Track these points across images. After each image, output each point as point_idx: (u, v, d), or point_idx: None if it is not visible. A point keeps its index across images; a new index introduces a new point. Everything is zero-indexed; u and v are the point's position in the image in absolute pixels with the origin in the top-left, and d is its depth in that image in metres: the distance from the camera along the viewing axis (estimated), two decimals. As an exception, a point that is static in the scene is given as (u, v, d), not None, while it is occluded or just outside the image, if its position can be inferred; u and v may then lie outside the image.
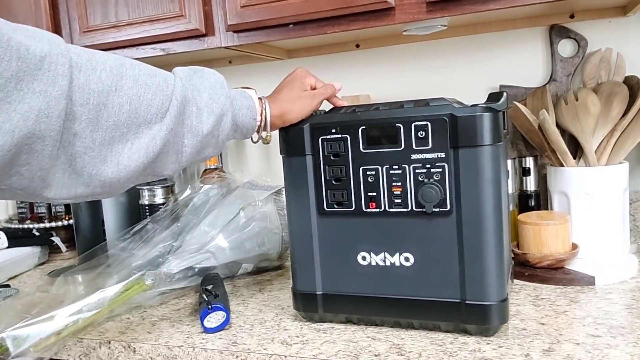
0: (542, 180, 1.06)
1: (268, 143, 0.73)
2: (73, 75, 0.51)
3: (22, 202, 1.39)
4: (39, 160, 0.50)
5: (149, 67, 0.60)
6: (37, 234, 1.29)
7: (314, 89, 0.77)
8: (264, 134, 0.72)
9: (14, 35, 0.46)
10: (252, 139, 0.74)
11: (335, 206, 0.73)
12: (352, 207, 0.72)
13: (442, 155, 0.67)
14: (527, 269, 0.90)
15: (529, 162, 1.05)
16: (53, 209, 1.38)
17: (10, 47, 0.45)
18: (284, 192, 1.10)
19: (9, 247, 1.21)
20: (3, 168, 0.48)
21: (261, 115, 0.70)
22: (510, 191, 1.04)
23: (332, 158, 0.72)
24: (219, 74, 0.67)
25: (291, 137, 0.74)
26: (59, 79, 0.49)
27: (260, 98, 0.72)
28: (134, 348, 0.75)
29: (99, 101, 0.53)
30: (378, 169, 0.70)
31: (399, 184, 0.69)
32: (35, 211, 1.39)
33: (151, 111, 0.57)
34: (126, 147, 0.56)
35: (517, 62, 1.12)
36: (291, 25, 0.95)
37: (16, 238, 1.24)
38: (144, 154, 0.57)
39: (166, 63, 1.25)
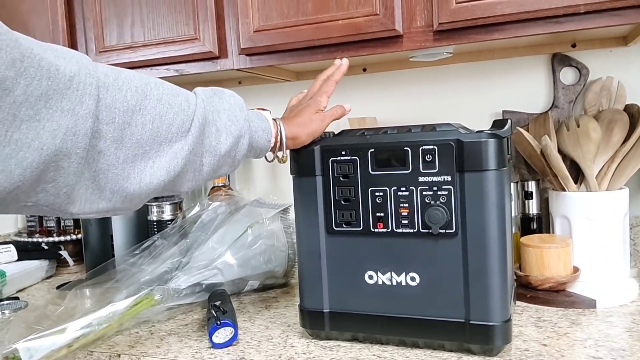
0: (544, 203, 1.08)
1: (284, 162, 0.75)
2: (100, 94, 0.53)
3: (31, 216, 1.41)
4: (64, 177, 0.51)
5: (172, 86, 0.62)
6: (45, 247, 1.31)
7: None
8: (279, 154, 0.74)
9: (44, 56, 0.47)
10: (267, 159, 0.76)
11: (344, 226, 0.75)
12: (360, 227, 0.74)
13: (449, 178, 0.69)
14: (529, 290, 0.92)
15: (532, 186, 1.07)
16: (62, 223, 1.40)
17: (41, 67, 0.47)
18: (290, 211, 1.12)
19: (18, 260, 1.23)
20: (31, 185, 0.49)
21: (276, 137, 0.72)
22: (512, 214, 1.06)
23: (341, 179, 0.75)
24: (238, 96, 0.69)
25: (302, 158, 0.77)
26: (86, 98, 0.51)
27: (274, 119, 0.74)
28: (144, 362, 0.76)
29: (123, 120, 0.55)
30: (386, 190, 0.72)
31: (406, 205, 0.71)
32: (44, 225, 1.41)
33: (172, 130, 0.59)
34: (148, 165, 0.58)
35: (520, 88, 1.14)
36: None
37: (25, 251, 1.26)
38: (165, 172, 0.59)
39: (177, 81, 1.27)
